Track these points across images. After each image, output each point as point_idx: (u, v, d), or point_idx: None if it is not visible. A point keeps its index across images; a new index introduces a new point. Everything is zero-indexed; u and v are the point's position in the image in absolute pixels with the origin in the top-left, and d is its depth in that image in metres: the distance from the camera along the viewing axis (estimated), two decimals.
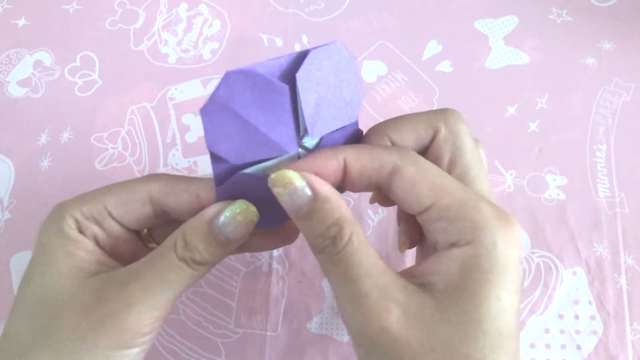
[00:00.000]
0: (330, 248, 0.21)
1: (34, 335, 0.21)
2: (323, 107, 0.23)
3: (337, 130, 0.24)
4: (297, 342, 0.33)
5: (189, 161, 0.37)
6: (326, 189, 0.21)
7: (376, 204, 0.30)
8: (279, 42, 0.41)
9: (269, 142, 0.22)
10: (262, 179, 0.23)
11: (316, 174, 0.22)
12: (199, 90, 0.40)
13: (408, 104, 0.39)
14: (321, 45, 0.22)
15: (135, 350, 0.22)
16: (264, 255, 0.35)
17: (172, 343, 0.33)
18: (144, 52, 0.41)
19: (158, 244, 0.27)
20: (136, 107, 0.39)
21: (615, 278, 0.33)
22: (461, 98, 0.38)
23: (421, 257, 0.26)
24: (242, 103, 0.21)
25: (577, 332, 0.32)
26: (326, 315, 0.33)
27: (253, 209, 0.23)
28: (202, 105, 0.21)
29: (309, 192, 0.21)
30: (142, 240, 0.27)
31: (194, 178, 0.25)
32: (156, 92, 0.40)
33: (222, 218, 0.22)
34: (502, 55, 0.40)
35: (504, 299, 0.20)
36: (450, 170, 0.23)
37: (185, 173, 0.37)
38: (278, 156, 0.23)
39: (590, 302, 0.33)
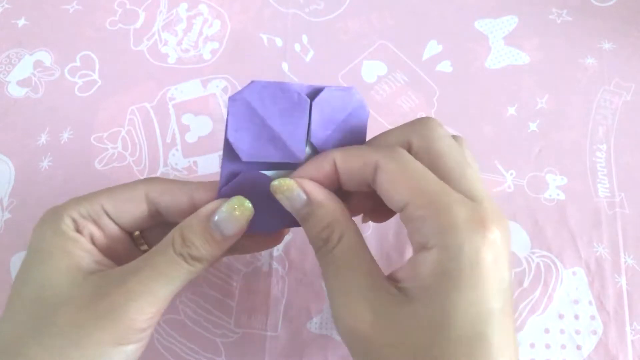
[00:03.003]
0: (322, 249, 0.22)
1: (29, 332, 0.21)
2: (330, 136, 0.25)
3: None
4: (297, 342, 0.33)
5: (188, 161, 0.37)
6: (320, 195, 0.23)
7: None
8: (279, 42, 0.41)
9: (284, 146, 0.24)
10: (267, 182, 0.24)
11: (312, 179, 0.23)
12: (199, 90, 0.40)
13: (408, 104, 0.39)
14: (340, 87, 0.24)
15: (132, 347, 0.22)
16: (264, 255, 0.35)
17: (172, 343, 0.33)
18: (144, 52, 0.41)
19: (150, 246, 0.28)
20: (136, 107, 0.39)
21: (615, 278, 0.33)
22: (461, 98, 0.38)
23: None
24: (264, 106, 0.23)
25: (577, 332, 0.32)
26: (326, 315, 0.33)
27: (249, 205, 0.23)
28: (231, 94, 0.23)
29: (304, 197, 0.23)
30: (134, 242, 0.27)
31: (189, 181, 0.26)
32: (156, 92, 0.40)
33: (219, 214, 0.23)
34: (502, 55, 0.40)
35: (476, 304, 0.19)
36: None
37: (185, 173, 0.37)
38: (287, 161, 0.24)
39: (590, 302, 0.33)
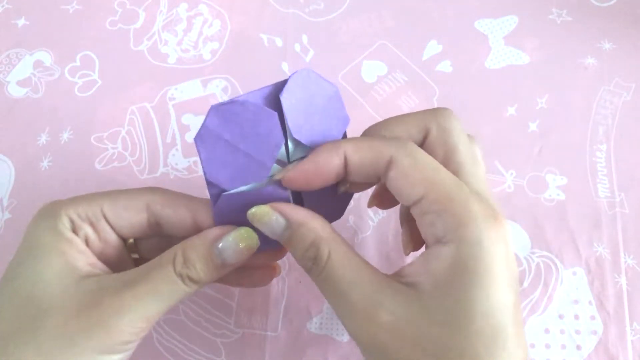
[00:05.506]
0: (313, 268, 0.22)
1: (18, 332, 0.21)
2: (308, 122, 0.24)
3: None
4: (297, 342, 0.33)
5: (188, 161, 0.37)
6: (298, 215, 0.22)
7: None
8: (278, 42, 0.41)
9: (258, 165, 0.23)
10: (249, 198, 0.23)
11: (319, 170, 0.23)
12: (199, 90, 0.40)
13: (408, 104, 0.39)
14: (296, 72, 0.23)
15: (118, 356, 0.22)
16: None
17: (172, 343, 0.33)
18: (144, 52, 0.41)
19: (142, 255, 0.28)
20: (136, 107, 0.39)
21: (615, 278, 0.33)
22: (461, 98, 0.38)
23: None
24: (230, 129, 0.22)
25: (577, 332, 0.32)
26: (326, 315, 0.33)
27: (255, 237, 0.23)
28: (196, 134, 0.22)
29: (282, 220, 0.22)
30: (127, 249, 0.27)
31: (194, 197, 0.25)
32: (156, 92, 0.40)
33: (224, 242, 0.23)
34: (502, 55, 0.40)
35: (493, 297, 0.20)
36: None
37: (185, 173, 0.37)
38: (263, 177, 0.23)
39: (590, 302, 0.33)
